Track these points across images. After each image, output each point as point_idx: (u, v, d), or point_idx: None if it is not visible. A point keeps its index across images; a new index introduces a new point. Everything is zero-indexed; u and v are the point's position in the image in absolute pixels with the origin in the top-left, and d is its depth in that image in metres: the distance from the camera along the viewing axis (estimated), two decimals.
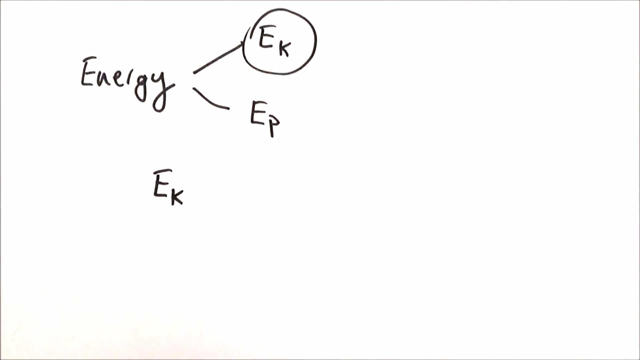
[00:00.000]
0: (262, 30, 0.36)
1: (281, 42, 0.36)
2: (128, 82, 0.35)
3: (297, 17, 0.36)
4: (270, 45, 0.36)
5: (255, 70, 0.35)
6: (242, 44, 0.36)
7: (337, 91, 0.35)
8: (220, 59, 0.35)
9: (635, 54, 0.36)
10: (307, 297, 0.34)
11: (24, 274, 0.34)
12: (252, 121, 0.35)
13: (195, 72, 0.35)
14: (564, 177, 0.35)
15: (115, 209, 0.34)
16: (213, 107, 0.35)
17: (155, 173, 0.35)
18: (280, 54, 0.36)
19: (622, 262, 0.34)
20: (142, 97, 0.35)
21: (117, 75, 0.35)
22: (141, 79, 0.35)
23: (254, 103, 0.35)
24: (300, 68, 0.35)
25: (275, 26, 0.36)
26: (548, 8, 0.36)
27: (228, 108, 0.35)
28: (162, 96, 0.35)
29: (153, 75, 0.35)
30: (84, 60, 0.35)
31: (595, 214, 0.35)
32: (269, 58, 0.36)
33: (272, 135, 0.35)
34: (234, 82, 0.35)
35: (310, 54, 0.36)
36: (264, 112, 0.35)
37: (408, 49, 0.36)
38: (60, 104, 0.35)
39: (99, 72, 0.35)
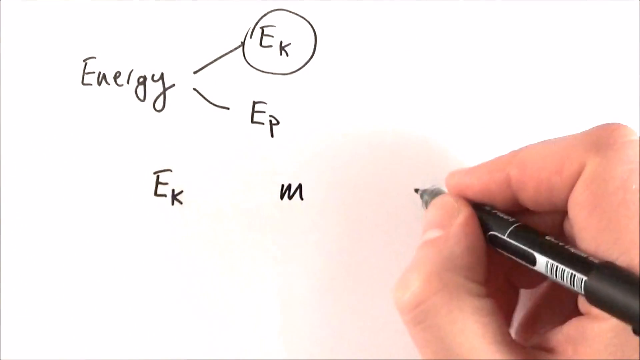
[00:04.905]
0: (262, 31, 0.36)
1: (281, 42, 0.36)
2: (128, 82, 0.35)
3: (297, 17, 0.36)
4: (270, 46, 0.36)
5: (255, 70, 0.35)
6: (242, 44, 0.36)
7: (337, 91, 0.35)
8: (220, 59, 0.35)
9: (635, 54, 0.36)
10: (307, 297, 0.34)
11: (24, 274, 0.34)
12: (252, 121, 0.35)
13: (195, 72, 0.35)
14: None
15: (115, 209, 0.34)
16: (213, 107, 0.35)
17: (155, 173, 0.35)
18: (280, 54, 0.36)
19: None
20: (142, 97, 0.35)
21: (117, 75, 0.35)
22: (141, 79, 0.35)
23: (254, 103, 0.35)
24: (300, 68, 0.35)
25: (275, 26, 0.36)
26: (548, 8, 0.36)
27: (228, 108, 0.35)
28: (162, 96, 0.35)
29: (153, 75, 0.35)
30: (84, 60, 0.35)
31: None
32: (269, 58, 0.36)
33: (272, 135, 0.35)
34: (234, 82, 0.35)
35: (310, 54, 0.36)
36: (264, 112, 0.35)
37: (408, 49, 0.36)
38: (60, 104, 0.35)
39: (99, 72, 0.35)
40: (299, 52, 0.36)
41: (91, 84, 0.35)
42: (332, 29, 0.36)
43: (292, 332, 0.34)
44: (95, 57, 0.35)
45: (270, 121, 0.35)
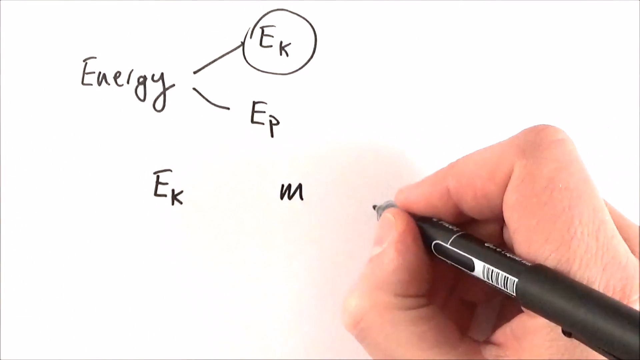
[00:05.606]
0: (262, 31, 0.36)
1: (281, 42, 0.36)
2: (128, 82, 0.35)
3: (297, 17, 0.36)
4: (270, 46, 0.36)
5: (255, 70, 0.36)
6: (242, 44, 0.36)
7: (337, 91, 0.35)
8: (220, 59, 0.35)
9: (635, 54, 0.36)
10: (308, 297, 0.34)
11: (24, 274, 0.34)
12: (252, 121, 0.35)
13: (195, 72, 0.35)
14: None
15: (115, 209, 0.34)
16: (213, 107, 0.35)
17: (155, 173, 0.35)
18: (280, 54, 0.36)
19: None
20: (142, 97, 0.35)
21: (117, 75, 0.35)
22: (141, 79, 0.35)
23: (254, 103, 0.35)
24: (300, 68, 0.35)
25: (275, 26, 0.36)
26: (548, 8, 0.36)
27: (228, 108, 0.35)
28: (162, 96, 0.35)
29: (153, 75, 0.35)
30: (84, 60, 0.35)
31: None
32: (269, 58, 0.36)
33: (272, 136, 0.35)
34: (234, 82, 0.35)
35: (310, 54, 0.36)
36: (264, 112, 0.35)
37: (408, 49, 0.36)
38: (60, 104, 0.35)
39: (99, 72, 0.35)
40: (299, 52, 0.36)
41: (91, 84, 0.35)
42: (332, 29, 0.36)
43: (292, 331, 0.34)
44: (95, 57, 0.35)
45: (270, 121, 0.35)
